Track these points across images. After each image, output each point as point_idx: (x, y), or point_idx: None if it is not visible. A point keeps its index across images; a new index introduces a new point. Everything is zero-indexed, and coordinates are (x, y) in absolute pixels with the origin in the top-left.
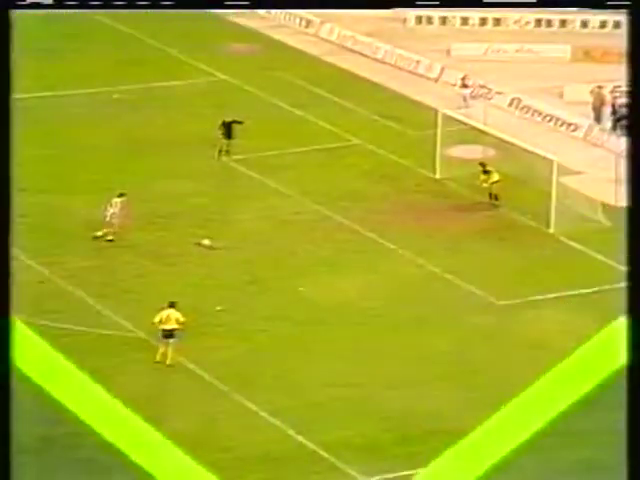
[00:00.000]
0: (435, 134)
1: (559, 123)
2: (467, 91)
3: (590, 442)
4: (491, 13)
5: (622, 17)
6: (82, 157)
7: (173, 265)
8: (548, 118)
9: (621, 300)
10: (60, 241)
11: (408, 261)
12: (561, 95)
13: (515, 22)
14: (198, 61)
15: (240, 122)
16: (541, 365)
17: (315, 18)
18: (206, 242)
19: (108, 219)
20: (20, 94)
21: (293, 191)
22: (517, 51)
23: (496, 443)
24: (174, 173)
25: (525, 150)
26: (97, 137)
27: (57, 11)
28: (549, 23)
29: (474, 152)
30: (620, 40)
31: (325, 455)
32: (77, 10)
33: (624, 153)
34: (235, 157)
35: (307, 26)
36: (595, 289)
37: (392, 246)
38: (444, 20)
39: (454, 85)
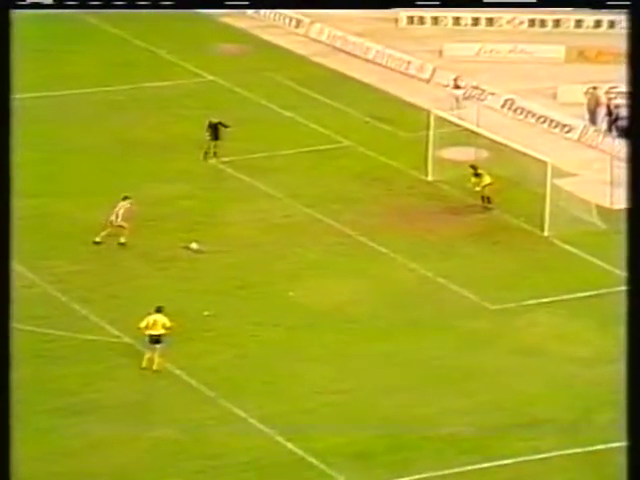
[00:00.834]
0: (427, 136)
1: (553, 124)
2: (459, 92)
3: None
4: (484, 13)
5: (617, 17)
6: (70, 159)
7: (160, 269)
8: (542, 119)
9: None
10: (47, 245)
11: (400, 265)
12: (555, 96)
13: (508, 22)
14: (187, 62)
15: (226, 126)
16: (535, 371)
17: (305, 18)
18: (194, 246)
19: (113, 220)
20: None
21: (283, 194)
22: (510, 51)
23: None
24: (162, 175)
25: (519, 152)
26: (85, 139)
27: (45, 12)
28: (543, 23)
29: (467, 154)
30: (615, 40)
31: (315, 462)
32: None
33: (619, 155)
34: (224, 159)
35: (297, 26)
36: (591, 293)
37: (384, 250)
38: (436, 20)
39: (446, 86)
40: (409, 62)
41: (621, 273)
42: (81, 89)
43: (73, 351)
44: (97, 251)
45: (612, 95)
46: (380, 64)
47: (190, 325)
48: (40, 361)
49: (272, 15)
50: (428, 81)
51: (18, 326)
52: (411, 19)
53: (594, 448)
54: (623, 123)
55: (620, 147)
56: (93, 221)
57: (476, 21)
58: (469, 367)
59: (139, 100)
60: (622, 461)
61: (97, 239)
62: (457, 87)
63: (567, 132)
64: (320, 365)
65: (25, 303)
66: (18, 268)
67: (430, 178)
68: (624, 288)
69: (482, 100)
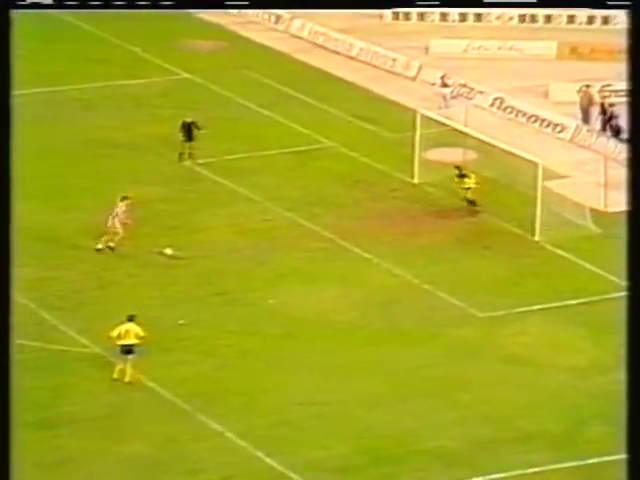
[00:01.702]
0: (413, 136)
1: (544, 124)
2: (447, 90)
3: None
4: (472, 8)
5: (611, 12)
6: (39, 160)
7: (133, 276)
8: (533, 119)
9: (612, 311)
10: (15, 250)
11: (384, 271)
12: (546, 94)
13: (497, 18)
14: (161, 59)
15: (200, 127)
16: (526, 382)
17: (285, 13)
18: (168, 251)
19: (110, 225)
20: None
21: (262, 197)
22: (500, 48)
23: None
24: (135, 177)
25: (508, 153)
26: (55, 139)
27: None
28: (533, 19)
29: (454, 155)
30: (609, 36)
31: (296, 478)
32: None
33: (613, 155)
34: (199, 161)
35: (276, 22)
36: (584, 300)
37: (367, 255)
38: (422, 16)
39: (433, 84)
40: (394, 59)
41: (616, 279)
42: (52, 87)
43: (43, 362)
44: (67, 257)
45: (606, 93)
46: (364, 61)
47: (164, 334)
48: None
49: (250, 10)
50: (414, 79)
51: None
52: (396, 15)
53: (587, 462)
54: (617, 122)
55: (614, 147)
56: (62, 225)
57: (464, 17)
58: (456, 377)
59: (111, 99)
60: (618, 476)
61: (99, 246)
62: (444, 85)
63: (559, 132)
64: (301, 376)
65: None
66: None
67: (416, 180)
68: (621, 295)
69: (470, 99)
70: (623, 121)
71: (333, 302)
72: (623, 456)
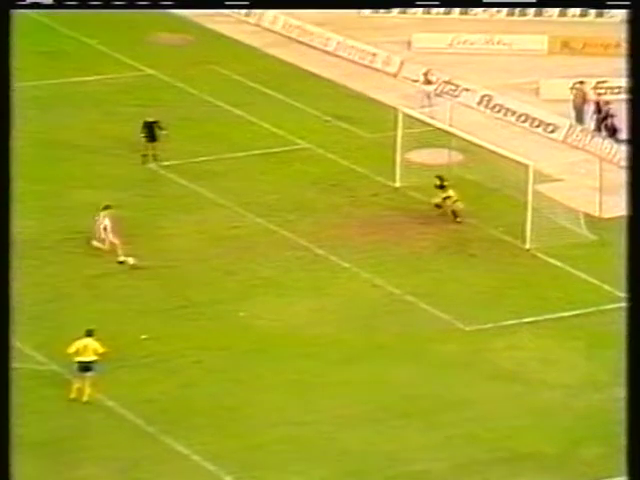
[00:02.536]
0: (395, 136)
1: (535, 123)
2: (430, 88)
3: None
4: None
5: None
6: None
7: (92, 287)
8: (523, 118)
9: (607, 324)
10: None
11: (364, 281)
12: (537, 92)
13: (484, 10)
14: (121, 53)
15: (162, 128)
16: (516, 400)
17: None
18: (130, 260)
19: (104, 239)
20: None
21: (231, 202)
22: (487, 42)
23: None
24: (94, 182)
25: (497, 154)
26: None
27: None
28: (523, 11)
29: (439, 157)
30: (603, 29)
31: None
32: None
33: (609, 157)
34: (164, 163)
35: (247, 14)
36: (578, 312)
37: (346, 264)
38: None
39: (416, 81)
40: (374, 54)
41: (612, 290)
42: None
43: None
44: (20, 266)
45: (601, 90)
46: (342, 57)
47: (125, 350)
48: None
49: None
50: (395, 76)
51: None
52: None
53: None
54: (613, 121)
55: (610, 148)
56: (14, 233)
57: (448, 9)
58: (441, 396)
59: (67, 97)
60: None
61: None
62: (428, 82)
63: (551, 132)
64: (274, 395)
65: None
66: None
67: (398, 184)
68: (618, 306)
69: (456, 97)
70: (619, 120)
71: (308, 315)
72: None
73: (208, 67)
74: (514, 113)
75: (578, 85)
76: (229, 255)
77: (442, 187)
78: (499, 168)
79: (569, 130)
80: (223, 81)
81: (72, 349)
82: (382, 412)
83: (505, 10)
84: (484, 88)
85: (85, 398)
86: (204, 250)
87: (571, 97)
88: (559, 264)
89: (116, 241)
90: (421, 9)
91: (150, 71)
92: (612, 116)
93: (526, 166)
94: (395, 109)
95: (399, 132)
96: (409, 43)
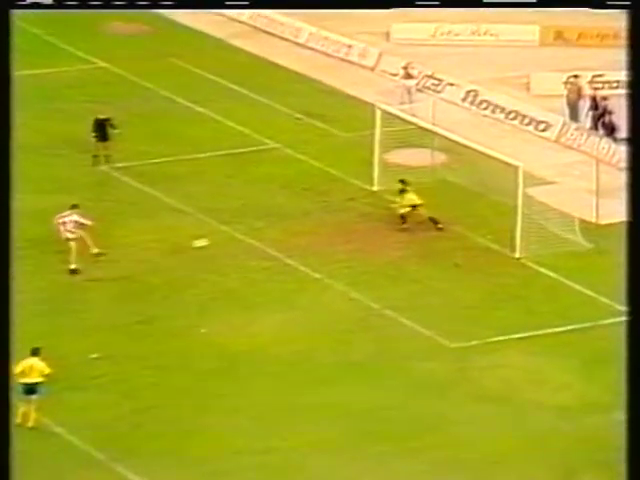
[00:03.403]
0: (372, 136)
1: (526, 121)
2: (411, 83)
3: None
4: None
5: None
6: None
7: (37, 302)
8: (512, 115)
9: (604, 339)
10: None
11: (338, 294)
12: (528, 87)
13: None
14: (71, 45)
15: (115, 127)
16: (505, 423)
17: None
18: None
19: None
20: None
21: (192, 207)
22: (473, 33)
23: None
24: (39, 185)
25: (484, 155)
26: None
27: None
28: None
29: (420, 158)
30: (599, 19)
31: None
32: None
33: (606, 158)
34: (117, 164)
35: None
36: (572, 327)
37: (317, 275)
38: None
39: (395, 75)
40: (350, 46)
41: (609, 302)
42: None
43: None
44: None
45: (598, 85)
46: (314, 49)
47: (74, 371)
48: None
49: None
50: (373, 69)
51: None
52: None
53: None
54: (611, 119)
55: (608, 148)
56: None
57: None
58: (423, 419)
59: None
60: None
61: (72, 266)
62: (408, 77)
63: (543, 130)
64: (239, 419)
65: None
66: None
67: (375, 187)
68: (616, 320)
69: (439, 92)
70: (618, 117)
71: (276, 331)
72: None
73: (166, 60)
74: (502, 110)
75: (572, 79)
76: (190, 266)
77: (403, 191)
78: (486, 170)
79: (563, 128)
80: (183, 75)
81: (17, 370)
82: (358, 437)
83: None
84: (469, 83)
85: (31, 423)
86: (162, 261)
87: (565, 92)
88: (552, 274)
89: (85, 235)
90: None
91: (102, 64)
92: (610, 113)
93: (516, 167)
94: (372, 106)
95: (377, 131)
96: (388, 34)
